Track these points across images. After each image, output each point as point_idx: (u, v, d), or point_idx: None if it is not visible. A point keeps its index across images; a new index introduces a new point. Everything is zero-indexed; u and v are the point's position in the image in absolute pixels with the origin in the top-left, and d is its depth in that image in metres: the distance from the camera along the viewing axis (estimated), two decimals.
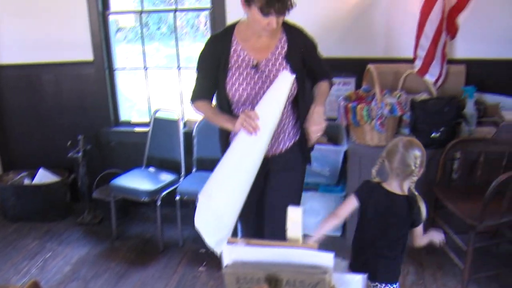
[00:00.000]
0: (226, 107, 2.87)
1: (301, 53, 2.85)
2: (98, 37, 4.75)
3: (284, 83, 2.63)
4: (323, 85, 2.95)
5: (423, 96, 4.08)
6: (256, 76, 2.79)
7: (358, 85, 4.36)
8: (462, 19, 4.15)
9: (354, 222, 4.18)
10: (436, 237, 2.75)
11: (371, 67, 3.92)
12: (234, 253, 1.41)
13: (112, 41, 4.87)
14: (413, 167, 2.57)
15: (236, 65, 2.79)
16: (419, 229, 2.69)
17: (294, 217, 1.37)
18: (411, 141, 2.64)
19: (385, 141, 3.95)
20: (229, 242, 1.41)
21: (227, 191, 2.62)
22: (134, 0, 6.05)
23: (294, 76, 2.65)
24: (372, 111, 3.80)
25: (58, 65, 4.93)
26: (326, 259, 1.34)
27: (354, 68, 4.35)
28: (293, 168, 3.03)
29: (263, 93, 2.75)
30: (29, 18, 4.83)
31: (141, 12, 4.89)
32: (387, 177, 2.70)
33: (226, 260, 1.43)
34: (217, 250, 2.72)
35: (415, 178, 2.62)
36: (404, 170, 2.60)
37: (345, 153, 4.09)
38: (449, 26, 4.10)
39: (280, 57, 2.81)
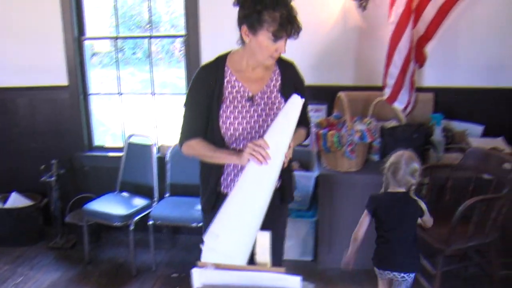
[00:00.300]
0: (219, 145, 2.65)
1: (293, 87, 2.72)
2: (73, 62, 4.78)
3: (294, 107, 2.45)
4: (301, 131, 2.82)
5: (393, 123, 4.18)
6: (252, 109, 2.64)
7: (329, 112, 4.45)
8: (430, 48, 4.28)
9: (326, 247, 4.25)
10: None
11: (341, 94, 4.01)
12: (204, 277, 1.45)
13: (87, 66, 4.91)
14: (413, 180, 3.07)
15: (231, 96, 2.63)
16: (426, 216, 3.15)
17: (263, 242, 1.42)
18: (411, 157, 3.09)
19: (355, 167, 4.03)
20: (198, 266, 1.45)
21: (237, 229, 2.35)
22: (110, 26, 6.10)
23: (303, 100, 2.46)
24: (343, 137, 3.88)
25: (33, 89, 4.94)
26: (293, 282, 1.39)
27: (326, 95, 4.44)
28: (278, 212, 2.81)
29: (259, 127, 2.64)
30: (5, 42, 4.85)
31: (116, 38, 4.94)
32: (390, 185, 3.13)
33: (196, 284, 1.47)
34: None
35: (414, 187, 3.11)
36: (406, 183, 3.07)
37: (317, 179, 4.14)
38: (417, 55, 4.22)
39: (275, 90, 2.70)
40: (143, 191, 4.67)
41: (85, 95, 4.94)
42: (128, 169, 4.76)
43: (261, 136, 2.55)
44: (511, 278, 4.06)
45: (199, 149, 2.66)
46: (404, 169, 3.03)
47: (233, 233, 2.34)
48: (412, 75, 4.17)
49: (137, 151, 4.75)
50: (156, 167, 4.63)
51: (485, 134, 4.37)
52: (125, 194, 4.70)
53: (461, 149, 4.11)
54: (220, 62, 2.68)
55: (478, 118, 4.39)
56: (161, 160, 4.70)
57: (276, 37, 2.47)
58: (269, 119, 2.65)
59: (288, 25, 2.46)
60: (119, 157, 4.81)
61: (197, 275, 1.46)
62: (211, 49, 4.47)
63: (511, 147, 4.24)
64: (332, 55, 4.43)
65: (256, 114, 2.65)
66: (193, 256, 4.46)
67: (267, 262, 1.42)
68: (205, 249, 2.34)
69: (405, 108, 4.20)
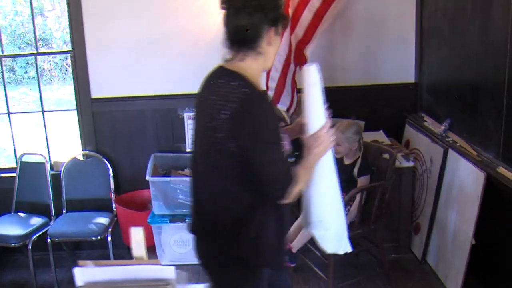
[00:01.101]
0: None
1: None
2: None
3: (313, 76, 2.36)
4: None
5: None
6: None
7: None
8: (310, 50, 4.49)
9: None
10: None
11: None
12: (85, 275, 1.54)
13: None
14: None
15: None
16: None
17: (137, 237, 1.53)
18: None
19: None
20: (79, 265, 1.54)
21: (334, 204, 2.53)
22: None
23: (314, 64, 2.33)
24: None
25: None
26: (168, 272, 1.51)
27: None
28: None
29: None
30: None
31: (1, 57, 4.87)
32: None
33: (78, 283, 1.55)
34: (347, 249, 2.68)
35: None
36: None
37: None
38: (298, 58, 4.41)
39: None
40: (40, 209, 4.63)
41: None
42: (23, 189, 4.69)
43: None
44: (399, 260, 4.36)
45: (302, 178, 2.27)
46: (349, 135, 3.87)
47: (332, 212, 2.54)
48: (293, 77, 4.37)
49: (30, 170, 4.70)
50: (51, 184, 4.61)
51: (367, 128, 4.64)
52: (21, 214, 4.63)
53: None
54: (248, 83, 2.23)
55: (359, 114, 4.64)
56: (56, 177, 4.68)
57: (283, 29, 2.32)
58: None
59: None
60: (13, 177, 4.74)
61: (79, 274, 1.55)
62: (98, 64, 4.51)
63: (390, 139, 4.54)
64: (213, 62, 4.55)
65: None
66: None
67: (144, 255, 1.54)
68: (318, 237, 2.57)
69: (289, 109, 4.40)
